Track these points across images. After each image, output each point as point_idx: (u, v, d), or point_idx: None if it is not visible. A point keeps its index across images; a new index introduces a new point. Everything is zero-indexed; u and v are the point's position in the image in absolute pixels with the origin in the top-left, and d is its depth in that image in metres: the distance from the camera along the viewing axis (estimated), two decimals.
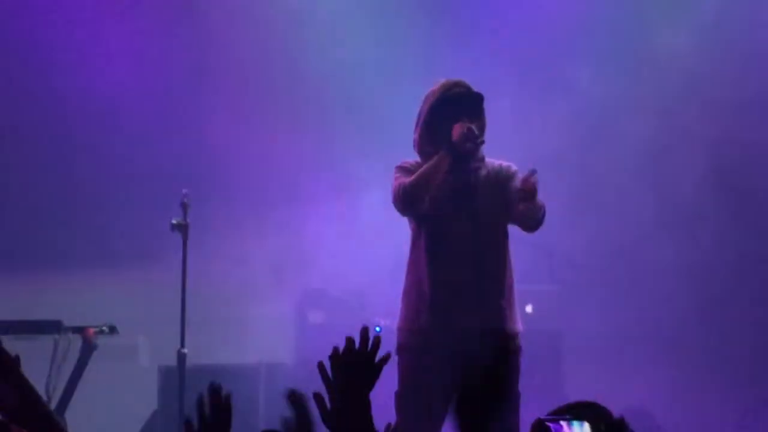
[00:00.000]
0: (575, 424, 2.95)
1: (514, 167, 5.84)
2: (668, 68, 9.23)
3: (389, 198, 5.81)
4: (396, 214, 5.85)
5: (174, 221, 7.27)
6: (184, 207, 7.28)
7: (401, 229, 5.97)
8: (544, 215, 5.70)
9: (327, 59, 9.14)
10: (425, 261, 5.72)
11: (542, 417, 2.94)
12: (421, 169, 5.70)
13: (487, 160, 5.86)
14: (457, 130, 5.65)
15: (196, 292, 7.49)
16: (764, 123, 9.11)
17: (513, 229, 5.83)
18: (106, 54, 8.93)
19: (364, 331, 2.94)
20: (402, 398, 5.70)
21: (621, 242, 9.10)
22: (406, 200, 5.71)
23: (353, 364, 2.89)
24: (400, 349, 5.73)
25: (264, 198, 9.10)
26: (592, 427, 2.92)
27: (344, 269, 8.80)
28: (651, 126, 9.15)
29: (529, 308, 8.62)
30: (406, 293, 5.78)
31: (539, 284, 8.78)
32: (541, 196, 5.63)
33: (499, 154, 5.89)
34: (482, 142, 5.72)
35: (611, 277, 9.07)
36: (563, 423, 2.94)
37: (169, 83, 9.04)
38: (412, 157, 5.88)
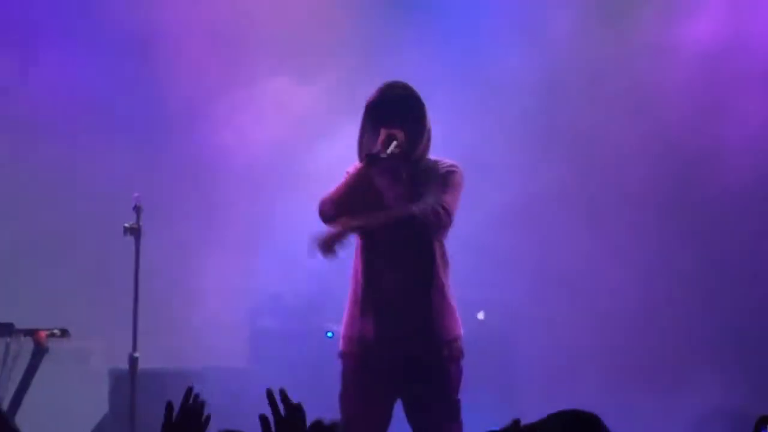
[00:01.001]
0: None
1: (450, 168, 5.61)
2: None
3: None
4: None
5: (126, 225, 7.22)
6: (136, 210, 7.25)
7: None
8: (434, 217, 5.43)
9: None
10: (360, 267, 5.65)
11: (494, 431, 2.93)
12: (338, 185, 5.57)
13: (437, 161, 5.65)
14: (381, 137, 5.45)
15: (148, 296, 7.47)
16: (710, 129, 9.07)
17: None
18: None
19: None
20: (344, 401, 5.68)
21: (572, 248, 9.11)
22: (321, 215, 5.63)
23: None
24: (341, 355, 5.72)
25: (216, 202, 9.07)
26: None
27: (296, 274, 8.79)
28: (597, 132, 9.15)
29: (481, 315, 8.63)
30: (348, 299, 5.73)
31: (490, 291, 8.78)
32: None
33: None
34: (397, 151, 5.44)
35: (562, 284, 9.08)
36: None
37: (124, 86, 9.02)
38: None
